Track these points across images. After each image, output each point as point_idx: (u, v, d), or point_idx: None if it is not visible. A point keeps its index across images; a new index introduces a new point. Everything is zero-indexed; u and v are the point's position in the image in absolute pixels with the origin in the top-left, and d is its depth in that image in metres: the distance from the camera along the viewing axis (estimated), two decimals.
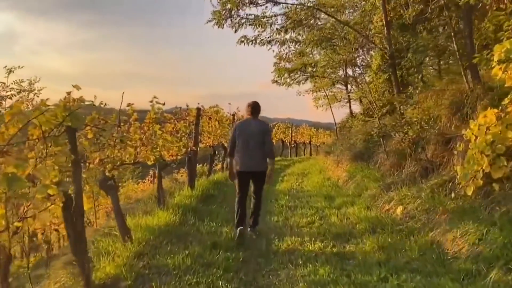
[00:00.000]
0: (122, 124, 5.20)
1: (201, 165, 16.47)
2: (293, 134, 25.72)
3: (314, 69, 13.64)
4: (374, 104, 8.25)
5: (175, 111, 7.76)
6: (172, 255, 4.73)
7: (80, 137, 4.59)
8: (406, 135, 6.48)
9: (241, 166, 5.60)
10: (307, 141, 31.02)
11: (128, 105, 5.48)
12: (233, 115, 13.63)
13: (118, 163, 5.18)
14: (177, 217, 6.26)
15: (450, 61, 9.82)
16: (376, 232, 5.07)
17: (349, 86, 21.61)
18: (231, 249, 4.99)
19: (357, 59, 12.46)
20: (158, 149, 6.56)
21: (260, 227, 5.98)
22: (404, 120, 6.66)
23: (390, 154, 7.64)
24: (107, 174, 4.89)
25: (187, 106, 7.91)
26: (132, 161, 5.76)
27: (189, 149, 8.41)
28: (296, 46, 16.01)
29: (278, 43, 14.61)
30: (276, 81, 18.89)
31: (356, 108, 19.82)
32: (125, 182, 17.07)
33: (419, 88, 8.12)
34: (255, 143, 5.52)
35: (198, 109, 8.55)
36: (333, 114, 17.56)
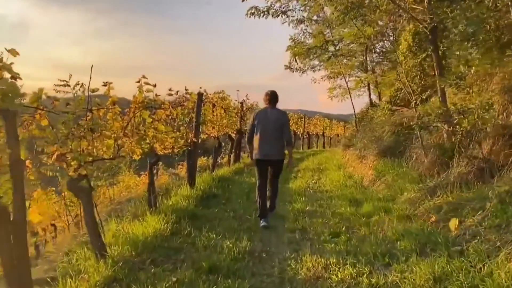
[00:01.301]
0: (94, 109, 4.05)
1: (206, 157, 15.37)
2: (305, 125, 24.51)
3: (338, 47, 12.39)
4: (410, 89, 6.97)
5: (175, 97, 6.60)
6: (155, 282, 3.61)
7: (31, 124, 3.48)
8: (458, 127, 5.23)
9: (259, 154, 5.77)
10: (320, 133, 29.80)
11: (105, 84, 4.33)
12: (242, 103, 12.46)
13: (90, 158, 4.05)
14: (169, 224, 5.14)
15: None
16: (426, 254, 3.88)
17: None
18: (234, 273, 3.84)
19: (383, 39, 11.10)
20: (148, 141, 5.43)
21: (272, 241, 4.90)
22: (454, 107, 5.40)
23: (429, 150, 6.39)
24: (70, 173, 3.76)
25: (186, 89, 6.77)
26: (112, 156, 4.62)
27: (188, 140, 7.29)
28: (313, 26, 14.76)
29: (294, 22, 13.38)
30: (290, 67, 17.63)
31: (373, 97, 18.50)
32: (123, 173, 16.14)
33: (462, 70, 6.83)
34: (274, 132, 5.72)
35: (200, 94, 7.38)
36: (352, 104, 16.34)
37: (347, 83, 16.66)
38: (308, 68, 17.73)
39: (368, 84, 16.37)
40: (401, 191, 6.07)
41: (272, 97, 5.93)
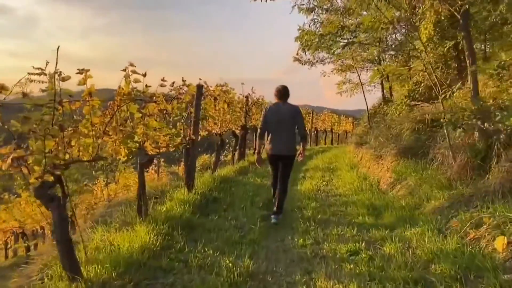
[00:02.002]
0: (65, 101, 3.36)
1: (209, 155, 14.68)
2: (313, 121, 23.77)
3: (354, 34, 11.58)
4: (436, 81, 6.20)
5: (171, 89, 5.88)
6: None
7: None
8: (500, 125, 4.48)
9: (272, 149, 5.81)
10: (328, 129, 29.05)
11: (80, 72, 3.63)
12: (247, 97, 11.74)
13: (59, 162, 3.37)
14: (159, 237, 4.47)
15: None
16: (471, 283, 3.16)
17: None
18: None
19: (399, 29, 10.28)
20: (136, 139, 4.74)
21: (280, 258, 4.20)
22: (493, 102, 4.65)
23: (459, 151, 5.64)
24: (31, 181, 3.08)
25: (184, 81, 6.05)
26: (91, 158, 3.94)
27: (187, 138, 6.60)
28: (323, 15, 13.96)
29: (303, 10, 12.56)
30: (298, 59, 16.86)
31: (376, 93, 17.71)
32: (122, 170, 15.51)
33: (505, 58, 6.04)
34: (286, 127, 5.74)
35: (199, 86, 6.68)
36: (365, 98, 15.46)
37: (359, 76, 15.85)
38: (317, 60, 16.94)
39: (381, 79, 15.55)
40: (428, 198, 5.34)
41: (283, 92, 5.90)
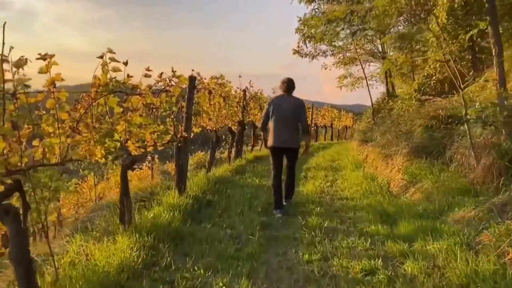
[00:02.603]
0: (21, 92, 2.74)
1: (203, 152, 14.03)
2: (313, 116, 23.18)
3: (364, 20, 10.98)
4: (457, 73, 5.60)
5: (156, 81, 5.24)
6: None
7: None
8: None
9: (274, 141, 5.78)
10: (328, 125, 28.47)
11: (42, 57, 3.00)
12: (244, 91, 11.11)
13: (9, 167, 2.76)
14: (142, 251, 3.87)
15: None
16: None
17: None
18: None
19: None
20: (117, 138, 4.13)
21: (282, 277, 3.60)
22: None
23: (482, 151, 5.06)
24: None
25: (174, 71, 5.41)
26: (59, 160, 3.33)
27: (178, 135, 5.99)
28: (326, 5, 13.32)
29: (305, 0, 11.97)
30: (298, 52, 16.24)
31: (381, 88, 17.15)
32: (113, 167, 14.89)
33: None
34: (290, 119, 5.74)
35: (192, 78, 6.07)
36: (369, 93, 14.83)
37: (363, 70, 15.23)
38: (318, 53, 16.34)
39: (386, 73, 14.97)
40: (449, 205, 4.75)
41: (289, 84, 5.92)
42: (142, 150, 4.74)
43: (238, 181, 7.99)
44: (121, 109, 4.20)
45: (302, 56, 16.49)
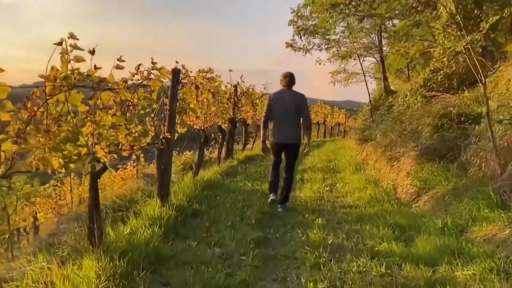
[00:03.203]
0: None
1: (192, 151, 13.32)
2: None
3: (374, 4, 10.30)
4: (477, 65, 4.96)
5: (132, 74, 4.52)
6: None
7: None
8: None
9: (276, 137, 5.76)
10: (321, 121, 27.88)
11: None
12: (235, 86, 10.42)
13: None
14: (112, 283, 3.18)
15: None
16: None
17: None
18: None
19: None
20: (82, 142, 3.44)
21: None
22: None
23: (505, 154, 4.44)
24: None
25: (154, 63, 4.70)
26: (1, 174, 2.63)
27: (160, 137, 5.30)
28: None
29: None
30: (292, 45, 15.57)
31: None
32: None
33: None
34: (291, 115, 5.69)
35: (175, 71, 5.37)
36: (368, 88, 14.15)
37: (361, 64, 14.57)
38: (312, 46, 15.68)
39: (383, 68, 14.37)
40: (473, 219, 4.13)
41: (290, 79, 5.85)
42: (115, 156, 4.04)
43: (229, 186, 7.31)
44: (87, 108, 3.51)
45: (296, 50, 15.83)
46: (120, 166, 16.52)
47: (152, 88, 4.61)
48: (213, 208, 5.70)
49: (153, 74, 4.68)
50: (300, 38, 14.61)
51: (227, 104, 9.90)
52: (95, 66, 3.49)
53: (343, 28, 15.94)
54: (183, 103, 5.95)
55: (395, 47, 8.03)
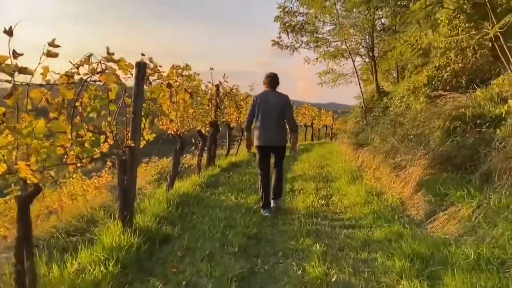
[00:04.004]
0: None
1: (168, 158, 12.27)
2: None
3: None
4: (501, 56, 4.12)
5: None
6: None
7: None
8: None
9: (260, 140, 5.65)
10: (309, 124, 27.12)
11: None
12: (217, 86, 9.49)
13: None
14: None
15: None
16: None
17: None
18: None
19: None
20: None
21: None
22: None
23: None
24: None
25: (110, 53, 3.73)
26: None
27: (123, 146, 4.34)
28: None
29: None
30: (278, 43, 14.70)
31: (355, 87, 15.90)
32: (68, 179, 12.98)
33: None
34: (275, 117, 5.61)
35: (141, 65, 4.43)
36: (361, 89, 13.24)
37: (353, 62, 13.72)
38: (300, 44, 14.81)
39: (375, 67, 13.59)
40: (506, 249, 3.25)
41: (273, 79, 5.77)
42: (51, 174, 3.07)
43: (209, 200, 6.37)
44: (3, 110, 2.56)
45: (282, 48, 14.98)
46: (94, 173, 15.44)
47: (107, 85, 3.65)
48: (188, 231, 4.77)
49: (106, 66, 3.70)
50: (287, 35, 13.78)
51: (208, 106, 8.97)
52: (13, 52, 2.55)
53: (332, 26, 15.25)
54: (152, 104, 4.99)
55: (402, 37, 7.24)
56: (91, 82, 3.55)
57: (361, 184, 6.94)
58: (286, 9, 13.77)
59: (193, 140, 9.14)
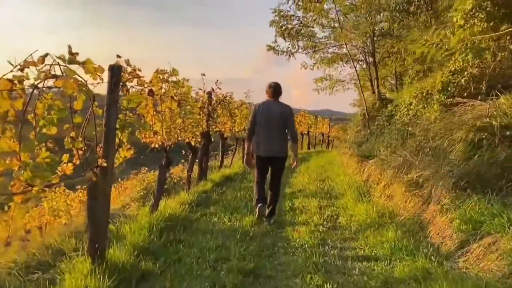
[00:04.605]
0: None
1: (153, 171, 11.48)
2: None
3: None
4: None
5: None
6: None
7: None
8: None
9: (260, 150, 5.60)
10: (305, 132, 26.47)
11: None
12: (210, 93, 8.78)
13: None
14: None
15: None
16: None
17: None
18: None
19: None
20: None
21: None
22: None
23: None
24: None
25: (72, 53, 3.01)
26: None
27: (93, 168, 3.61)
28: None
29: None
30: (274, 48, 14.02)
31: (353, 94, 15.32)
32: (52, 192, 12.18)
33: None
34: (277, 127, 5.56)
35: (114, 69, 3.71)
36: (363, 96, 12.40)
37: (355, 67, 13.01)
38: (297, 49, 14.13)
39: (376, 73, 12.95)
40: None
41: (275, 89, 5.69)
42: None
43: (199, 223, 5.63)
44: None
45: (278, 53, 14.30)
46: (79, 186, 14.61)
47: (64, 92, 2.91)
48: (173, 266, 4.01)
49: (63, 68, 2.97)
50: (284, 39, 13.11)
51: (200, 115, 8.25)
52: None
53: (330, 30, 14.63)
54: (130, 115, 4.26)
55: (422, 37, 6.60)
56: (45, 89, 2.82)
57: (370, 202, 6.22)
58: (281, 13, 13.12)
59: (183, 152, 8.41)
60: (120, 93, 4.11)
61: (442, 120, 6.18)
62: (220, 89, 9.31)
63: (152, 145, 5.60)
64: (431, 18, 13.03)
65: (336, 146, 35.10)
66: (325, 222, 5.61)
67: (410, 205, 5.32)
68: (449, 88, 6.47)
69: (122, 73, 3.90)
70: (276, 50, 14.07)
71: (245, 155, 5.84)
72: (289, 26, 12.79)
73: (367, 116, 11.45)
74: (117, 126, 3.99)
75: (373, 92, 15.17)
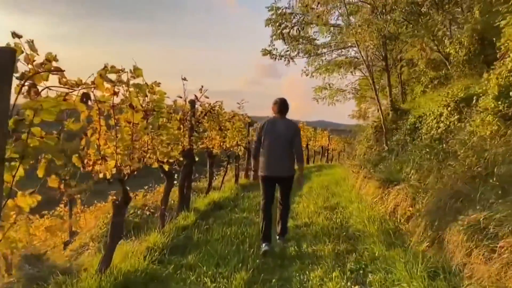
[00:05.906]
0: None
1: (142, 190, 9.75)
2: None
3: None
4: None
5: None
6: None
7: None
8: None
9: (266, 170, 5.46)
10: (304, 145, 24.94)
11: None
12: (192, 102, 7.18)
13: None
14: None
15: None
16: None
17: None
18: None
19: None
20: None
21: None
22: None
23: None
24: None
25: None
26: None
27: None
28: None
29: None
30: (270, 52, 12.46)
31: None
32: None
33: None
34: (283, 145, 5.46)
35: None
36: (379, 105, 10.76)
37: (371, 71, 11.37)
38: (297, 53, 12.59)
39: (389, 79, 11.43)
40: None
41: (282, 105, 5.57)
42: None
43: (169, 284, 3.96)
44: None
45: (275, 58, 12.73)
46: (46, 212, 12.93)
47: None
48: None
49: None
50: (283, 40, 11.59)
51: (180, 129, 6.63)
52: None
53: (334, 32, 13.18)
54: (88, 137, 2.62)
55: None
56: None
57: (407, 250, 4.57)
58: (279, 11, 11.57)
59: (167, 174, 6.75)
60: (24, 96, 2.51)
61: (503, 136, 4.59)
62: (207, 97, 7.69)
63: (100, 175, 3.94)
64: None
65: (336, 159, 33.54)
66: (349, 284, 3.96)
67: (476, 261, 3.67)
68: (510, 93, 4.89)
69: (14, 64, 2.28)
70: (273, 54, 12.48)
71: (253, 172, 5.70)
72: (289, 24, 11.28)
73: (384, 130, 9.83)
74: (13, 153, 2.39)
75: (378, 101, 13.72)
